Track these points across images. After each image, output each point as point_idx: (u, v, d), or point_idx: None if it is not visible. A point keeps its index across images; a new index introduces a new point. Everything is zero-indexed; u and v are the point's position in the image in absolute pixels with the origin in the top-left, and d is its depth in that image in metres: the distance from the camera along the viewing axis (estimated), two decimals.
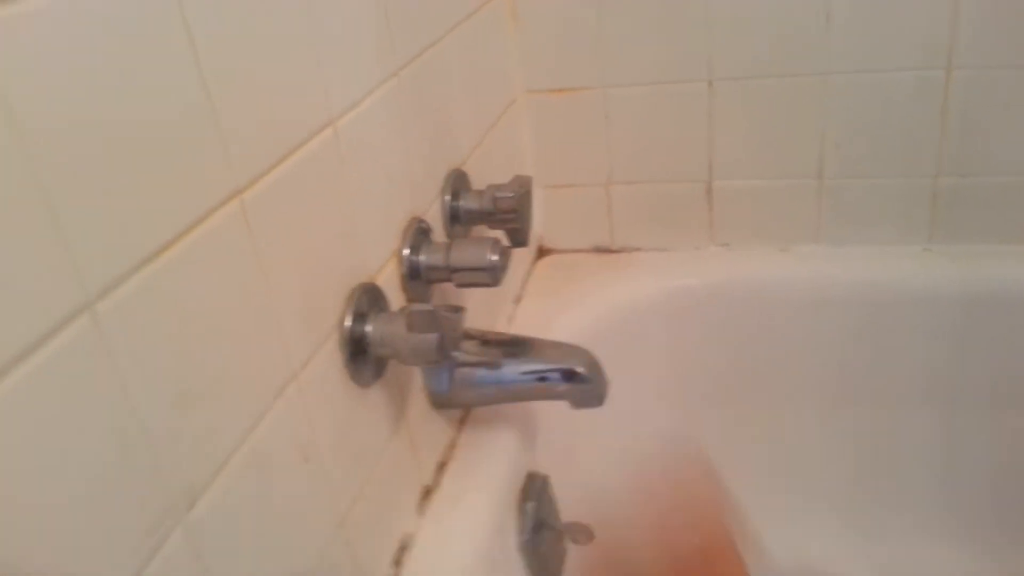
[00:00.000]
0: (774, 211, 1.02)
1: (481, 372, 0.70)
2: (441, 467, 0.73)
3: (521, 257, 1.04)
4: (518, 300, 1.00)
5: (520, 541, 0.75)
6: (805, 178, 0.99)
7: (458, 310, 0.62)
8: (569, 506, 0.86)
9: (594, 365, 0.70)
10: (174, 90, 0.40)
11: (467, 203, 0.76)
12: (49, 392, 0.32)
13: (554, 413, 0.87)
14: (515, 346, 0.72)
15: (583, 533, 0.79)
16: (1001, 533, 1.02)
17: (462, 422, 0.78)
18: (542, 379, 0.70)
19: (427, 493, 0.70)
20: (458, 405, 0.74)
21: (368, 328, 0.58)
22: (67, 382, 0.33)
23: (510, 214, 0.76)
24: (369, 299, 0.59)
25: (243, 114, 0.45)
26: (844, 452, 1.05)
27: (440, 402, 0.72)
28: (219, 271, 0.43)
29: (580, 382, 0.69)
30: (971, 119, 0.93)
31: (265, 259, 0.47)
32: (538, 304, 0.99)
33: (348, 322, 0.56)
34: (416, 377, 0.69)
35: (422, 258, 0.68)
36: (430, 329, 0.56)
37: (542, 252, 1.10)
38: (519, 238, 0.78)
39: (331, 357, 0.55)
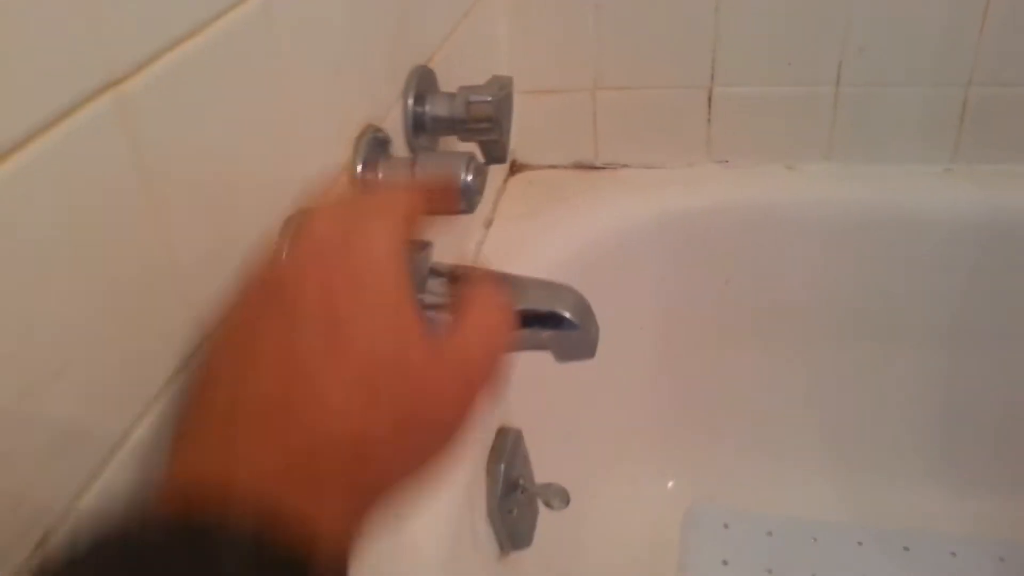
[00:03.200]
0: (781, 123, 0.89)
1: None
2: None
3: (493, 174, 0.91)
4: (488, 223, 0.87)
5: (489, 508, 0.65)
6: (820, 85, 0.86)
7: (424, 247, 0.50)
8: (545, 464, 0.76)
9: (584, 308, 0.58)
10: None
11: (434, 108, 0.62)
12: None
13: (529, 357, 0.76)
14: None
15: (559, 496, 0.69)
16: (1005, 473, 0.96)
17: None
18: (522, 324, 0.58)
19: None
20: None
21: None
22: None
23: (486, 123, 0.62)
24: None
25: None
26: (846, 389, 0.96)
27: None
28: (82, 186, 0.30)
29: (567, 329, 0.57)
30: (1014, 21, 0.80)
31: (155, 180, 0.34)
32: (512, 229, 0.86)
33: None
34: None
35: (379, 176, 0.54)
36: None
37: (515, 168, 0.97)
38: (496, 153, 0.65)
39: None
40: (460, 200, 0.54)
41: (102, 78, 0.31)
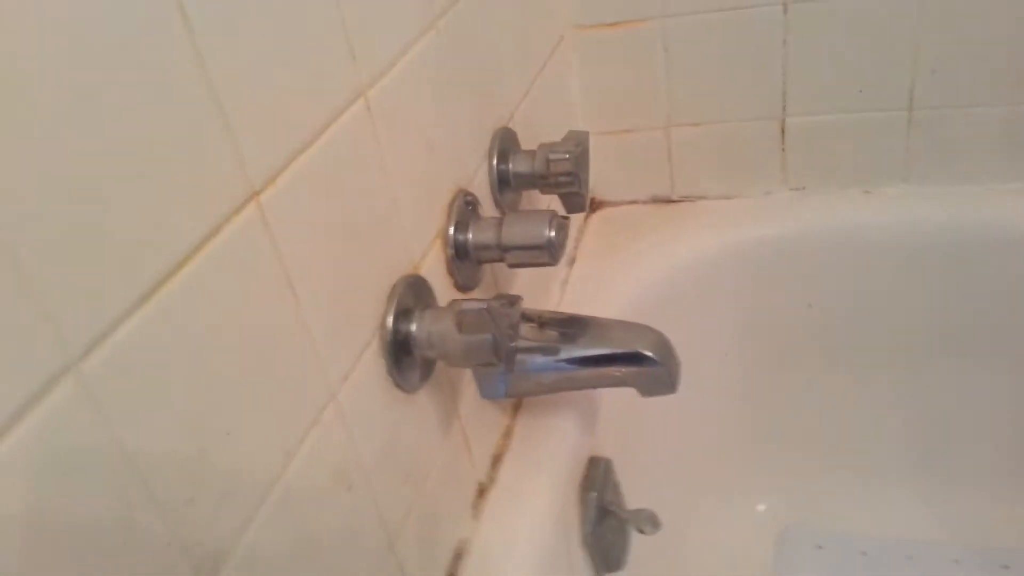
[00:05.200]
0: (856, 149, 0.91)
1: (538, 359, 0.63)
2: (496, 461, 0.67)
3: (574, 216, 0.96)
4: (572, 262, 0.92)
5: (583, 534, 0.69)
6: (893, 110, 0.88)
7: (514, 302, 0.55)
8: (636, 491, 0.80)
9: (664, 346, 0.62)
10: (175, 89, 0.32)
11: (517, 166, 0.68)
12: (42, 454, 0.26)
13: (616, 390, 0.80)
14: (574, 327, 0.64)
15: (649, 521, 0.73)
16: (960, 482, 0.95)
17: (516, 408, 0.72)
18: (606, 364, 0.62)
19: (482, 491, 0.64)
20: (514, 396, 0.68)
21: (413, 328, 0.51)
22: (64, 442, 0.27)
23: (566, 176, 0.67)
24: (414, 294, 0.52)
25: (252, 105, 0.37)
26: (934, 407, 0.96)
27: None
28: (234, 290, 0.36)
29: (648, 366, 0.61)
30: None
31: (291, 269, 0.40)
32: (593, 266, 0.91)
33: (390, 323, 0.50)
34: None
35: (470, 236, 0.60)
36: (483, 329, 0.49)
37: (595, 205, 1.01)
38: (576, 203, 0.70)
39: (373, 366, 0.48)
40: (545, 255, 0.59)
41: (244, 191, 0.37)
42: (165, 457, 0.32)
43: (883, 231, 0.90)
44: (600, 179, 1.00)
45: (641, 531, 0.72)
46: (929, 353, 0.93)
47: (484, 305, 0.48)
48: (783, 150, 0.93)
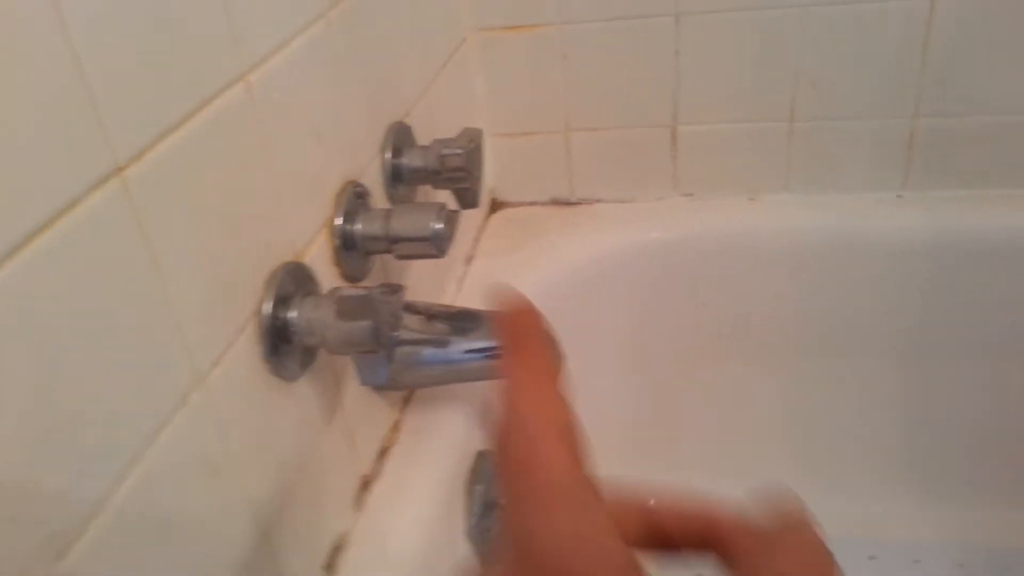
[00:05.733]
0: (742, 158, 0.95)
1: (425, 352, 0.64)
2: (382, 454, 0.67)
3: (474, 213, 0.97)
4: (469, 260, 0.93)
5: (468, 526, 0.70)
6: (776, 121, 0.92)
7: (396, 290, 0.55)
8: None
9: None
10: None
11: (411, 161, 0.68)
12: None
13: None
14: (463, 320, 0.65)
15: None
16: (966, 486, 1.01)
17: (406, 401, 0.72)
18: (492, 356, 0.63)
19: (366, 484, 0.64)
20: (400, 388, 0.68)
21: (292, 315, 0.50)
22: None
23: (458, 172, 0.68)
24: (295, 281, 0.52)
25: (120, 78, 0.37)
26: (810, 407, 1.01)
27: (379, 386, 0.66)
28: (92, 272, 0.35)
29: None
30: (954, 55, 0.86)
31: (157, 248, 0.40)
32: (491, 264, 0.92)
33: (268, 309, 0.49)
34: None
35: (358, 227, 0.60)
36: (363, 316, 0.49)
37: (495, 206, 1.03)
38: (469, 198, 0.71)
39: (248, 352, 0.48)
40: (432, 247, 0.60)
41: (108, 165, 0.36)
42: (6, 437, 0.31)
43: (764, 237, 0.95)
44: (501, 180, 1.02)
45: None
46: (807, 351, 0.98)
47: (365, 292, 0.48)
48: (675, 157, 0.96)
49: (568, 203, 1.01)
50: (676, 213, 0.97)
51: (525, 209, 1.01)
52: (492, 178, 1.02)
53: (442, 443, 0.69)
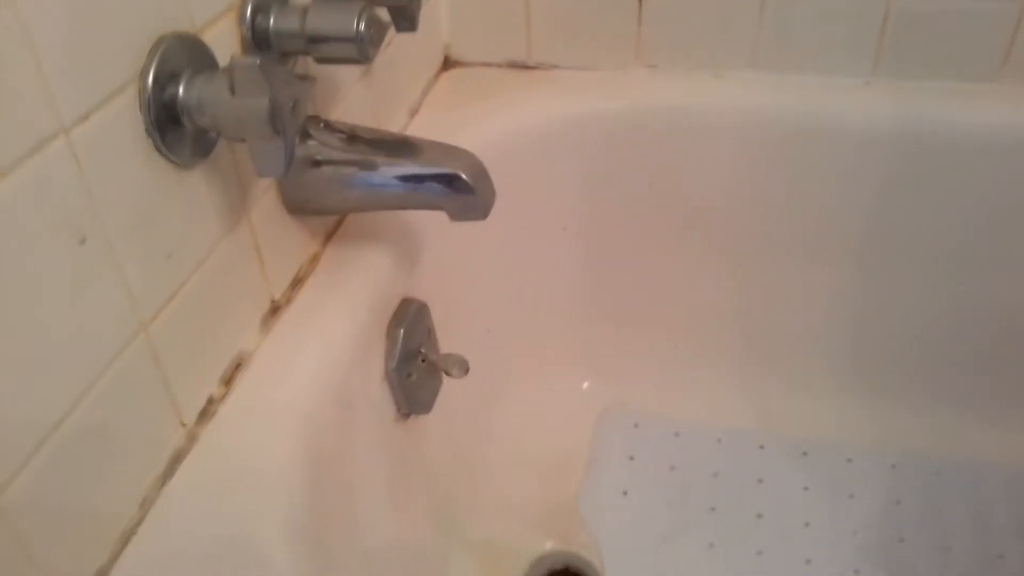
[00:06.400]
0: (710, 31, 0.90)
1: (346, 171, 0.59)
2: (297, 283, 0.63)
3: (422, 65, 0.91)
4: (414, 112, 0.87)
5: (386, 369, 0.67)
6: None
7: (306, 79, 0.50)
8: (450, 339, 0.78)
9: (479, 171, 0.60)
10: None
11: None
12: None
13: (444, 236, 0.77)
14: (390, 146, 0.61)
15: (458, 365, 0.71)
16: (909, 391, 1.00)
17: (328, 236, 0.68)
18: (417, 183, 0.59)
19: (275, 310, 0.60)
20: (318, 210, 0.63)
21: (181, 90, 0.45)
22: None
23: None
24: (187, 55, 0.47)
25: None
26: (763, 297, 0.99)
27: (296, 205, 0.61)
28: None
29: (461, 191, 0.59)
30: None
31: None
32: (436, 117, 0.87)
33: (151, 78, 0.44)
34: None
35: (272, 21, 0.54)
36: (258, 91, 0.44)
37: (448, 64, 0.97)
38: (406, 18, 0.65)
39: (125, 118, 0.43)
40: (354, 49, 0.54)
41: None
42: None
43: (726, 115, 0.90)
44: (456, 37, 0.96)
45: (448, 373, 0.71)
46: (761, 242, 0.95)
47: (257, 61, 0.43)
48: (639, 24, 0.91)
49: (525, 66, 0.95)
50: (635, 84, 0.92)
51: (479, 70, 0.96)
52: (446, 34, 0.96)
53: (363, 280, 0.65)
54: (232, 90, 0.44)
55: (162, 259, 0.47)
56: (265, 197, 0.58)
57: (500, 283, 0.92)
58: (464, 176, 0.58)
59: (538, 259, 0.96)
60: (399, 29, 0.65)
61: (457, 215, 0.60)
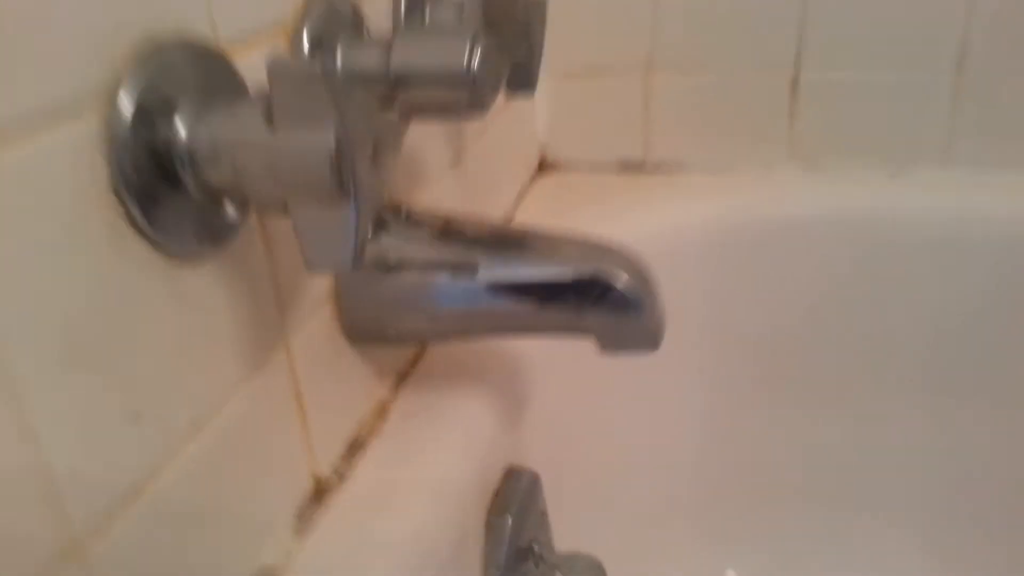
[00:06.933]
0: (885, 118, 0.71)
1: (438, 279, 0.39)
2: (354, 449, 0.42)
3: (516, 170, 0.73)
4: (509, 220, 0.69)
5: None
6: (936, 72, 0.68)
7: (393, 118, 0.31)
8: (569, 525, 0.55)
9: (641, 274, 0.39)
10: None
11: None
12: None
13: (555, 375, 0.56)
14: (503, 242, 0.41)
15: (591, 573, 0.48)
16: None
17: (403, 377, 0.47)
18: (549, 296, 0.38)
19: (320, 494, 0.39)
20: (393, 337, 0.43)
21: (181, 126, 0.26)
22: None
23: (511, 25, 0.44)
24: (196, 73, 0.28)
25: None
26: (967, 458, 0.73)
27: (361, 328, 0.40)
28: None
29: (619, 304, 0.38)
30: None
31: None
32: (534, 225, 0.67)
33: (126, 101, 0.25)
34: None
35: (340, 56, 0.36)
36: (316, 119, 0.25)
37: (545, 166, 0.79)
38: (523, 76, 0.47)
39: (70, 165, 0.24)
40: (464, 92, 0.36)
41: None
42: None
43: (909, 224, 0.69)
44: (554, 134, 0.78)
45: None
46: (951, 388, 0.71)
47: (317, 67, 0.24)
48: (792, 114, 0.72)
49: (643, 168, 0.77)
50: (788, 188, 0.72)
51: (584, 174, 0.77)
52: (543, 131, 0.78)
53: (449, 444, 0.44)
54: (270, 118, 0.25)
55: (122, 423, 0.26)
56: (315, 316, 0.38)
57: (615, 444, 0.69)
58: (620, 283, 0.38)
59: (661, 408, 0.73)
60: (511, 88, 0.47)
61: (612, 343, 0.38)
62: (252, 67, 0.31)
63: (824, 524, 0.75)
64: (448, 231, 0.40)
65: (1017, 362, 0.69)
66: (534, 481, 0.49)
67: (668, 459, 0.73)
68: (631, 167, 0.77)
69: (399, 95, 0.36)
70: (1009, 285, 0.68)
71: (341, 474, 0.40)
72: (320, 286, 0.38)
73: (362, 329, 0.40)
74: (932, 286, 0.69)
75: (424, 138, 0.48)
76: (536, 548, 0.47)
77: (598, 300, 0.37)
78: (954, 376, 0.71)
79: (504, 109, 0.66)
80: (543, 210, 0.72)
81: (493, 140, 0.64)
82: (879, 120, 0.71)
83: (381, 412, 0.44)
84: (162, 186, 0.27)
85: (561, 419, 0.61)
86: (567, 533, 0.54)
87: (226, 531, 0.32)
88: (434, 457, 0.43)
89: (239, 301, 0.31)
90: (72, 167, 0.24)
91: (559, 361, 0.56)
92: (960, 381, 0.71)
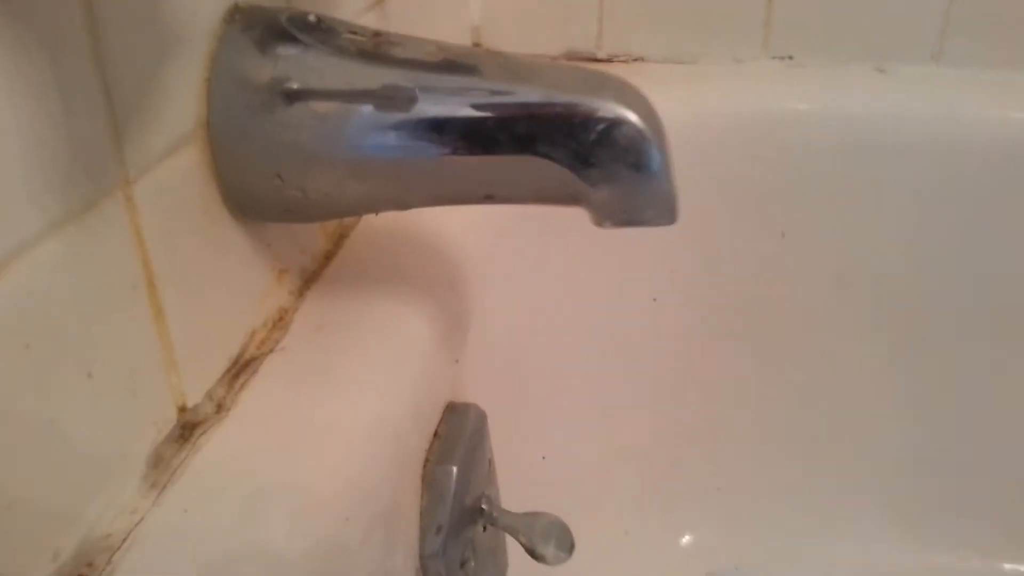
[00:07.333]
0: (872, 8, 0.62)
1: (362, 115, 0.26)
2: (239, 370, 0.29)
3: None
4: None
5: (422, 548, 0.32)
6: None
7: None
8: (510, 474, 0.44)
9: (652, 116, 0.28)
10: None
11: None
12: None
13: (503, 292, 0.45)
14: (450, 64, 0.28)
15: (555, 537, 0.37)
16: None
17: (311, 276, 0.35)
18: (523, 138, 0.26)
19: (187, 430, 0.26)
20: (296, 208, 0.30)
21: None
22: None
23: None
24: None
25: None
26: (951, 407, 0.66)
27: (246, 189, 0.27)
28: None
29: (628, 149, 0.26)
30: None
31: None
32: None
33: None
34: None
35: None
36: None
37: None
38: None
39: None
40: None
41: None
42: None
43: (896, 125, 0.61)
44: (490, 18, 0.66)
45: (536, 555, 0.36)
46: (956, 331, 0.64)
47: None
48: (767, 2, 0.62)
49: (593, 59, 0.65)
50: (764, 82, 0.63)
51: None
52: (477, 14, 0.66)
53: (372, 367, 0.32)
54: None
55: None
56: (174, 159, 0.25)
57: (562, 383, 0.58)
58: (635, 122, 0.26)
59: (615, 350, 0.63)
60: None
61: (614, 208, 0.27)
62: None
63: (792, 484, 0.67)
64: (377, 48, 0.27)
65: (1009, 281, 0.62)
66: (481, 420, 0.37)
67: (623, 403, 0.63)
68: (580, 59, 0.66)
69: None
70: (1004, 192, 0.61)
71: (219, 403, 0.27)
72: (179, 106, 0.25)
73: (250, 192, 0.28)
74: (920, 198, 0.61)
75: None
76: (485, 506, 0.36)
77: (598, 145, 0.26)
78: (940, 310, 0.63)
79: None
80: None
81: (415, 19, 0.52)
82: (865, 9, 0.62)
83: (280, 321, 0.32)
84: None
85: (506, 348, 0.50)
86: (508, 483, 0.42)
87: (21, 489, 0.19)
88: (350, 385, 0.30)
89: (40, 80, 0.18)
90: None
91: (509, 271, 0.45)
92: (947, 318, 0.63)
